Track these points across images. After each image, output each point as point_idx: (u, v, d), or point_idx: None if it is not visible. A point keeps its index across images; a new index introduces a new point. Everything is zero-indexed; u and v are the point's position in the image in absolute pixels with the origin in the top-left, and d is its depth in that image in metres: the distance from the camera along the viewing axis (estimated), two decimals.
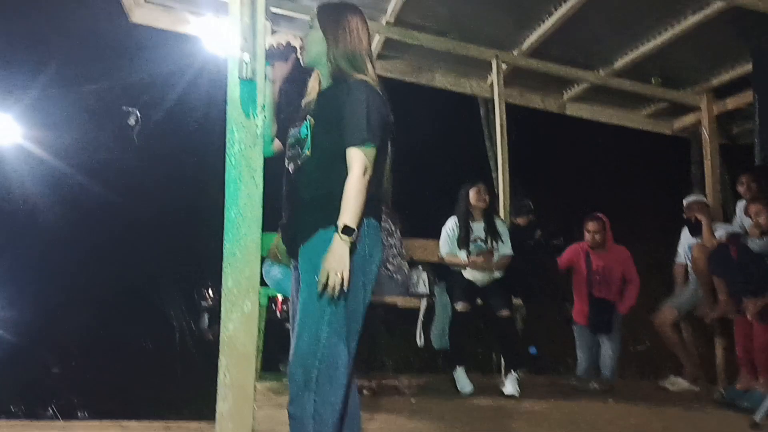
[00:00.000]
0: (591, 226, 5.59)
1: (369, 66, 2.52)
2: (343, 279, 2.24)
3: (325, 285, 2.24)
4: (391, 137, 2.52)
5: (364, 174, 2.31)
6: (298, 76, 2.72)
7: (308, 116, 2.49)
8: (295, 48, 2.69)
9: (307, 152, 2.44)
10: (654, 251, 9.05)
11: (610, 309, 5.51)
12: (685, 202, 5.58)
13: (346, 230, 2.25)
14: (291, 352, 2.34)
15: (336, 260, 2.24)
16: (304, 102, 2.62)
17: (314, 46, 2.55)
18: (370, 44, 2.61)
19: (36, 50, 12.28)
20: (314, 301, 2.30)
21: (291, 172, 2.50)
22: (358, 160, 2.32)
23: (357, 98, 2.38)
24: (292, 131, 2.55)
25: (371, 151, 2.35)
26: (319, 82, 2.61)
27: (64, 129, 11.61)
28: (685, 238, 5.49)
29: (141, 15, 5.81)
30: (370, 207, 2.37)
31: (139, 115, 6.11)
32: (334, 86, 2.51)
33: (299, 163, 2.46)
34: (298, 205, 2.47)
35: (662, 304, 5.37)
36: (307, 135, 2.46)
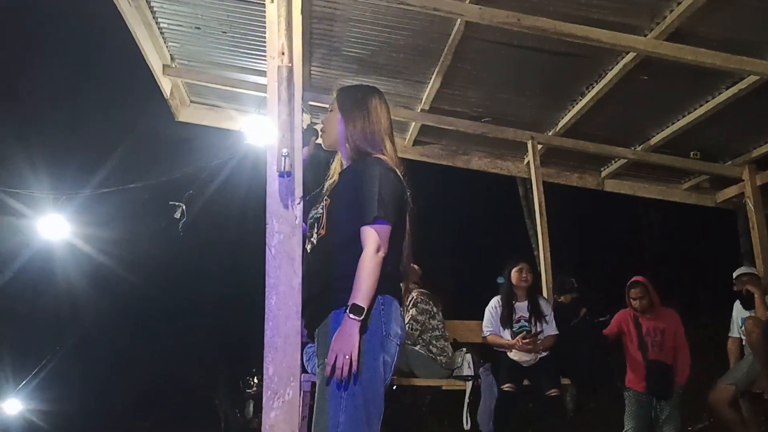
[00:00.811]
0: (633, 293, 5.43)
1: (388, 145, 2.52)
2: (352, 361, 2.18)
3: (333, 367, 2.19)
4: (410, 215, 2.48)
5: (377, 252, 2.27)
6: (323, 158, 2.77)
7: (326, 197, 2.52)
8: (315, 131, 2.75)
9: (322, 231, 2.45)
10: (707, 327, 8.77)
11: (669, 371, 5.23)
12: (735, 275, 5.44)
13: (355, 310, 2.21)
14: None
15: (344, 341, 2.19)
16: (326, 185, 2.64)
17: (333, 128, 2.58)
18: (390, 124, 2.61)
19: (89, 152, 12.90)
20: (329, 386, 2.24)
21: (308, 251, 2.53)
22: (370, 238, 2.29)
23: (369, 176, 2.37)
24: (312, 212, 2.58)
25: (385, 229, 2.32)
26: (341, 164, 2.63)
27: (111, 225, 12.01)
28: (738, 311, 5.33)
29: (187, 114, 6.13)
30: (388, 284, 2.34)
31: (184, 208, 6.30)
32: (352, 166, 2.52)
33: (314, 242, 2.48)
34: (312, 286, 2.48)
35: (718, 381, 5.16)
36: (322, 214, 2.48)
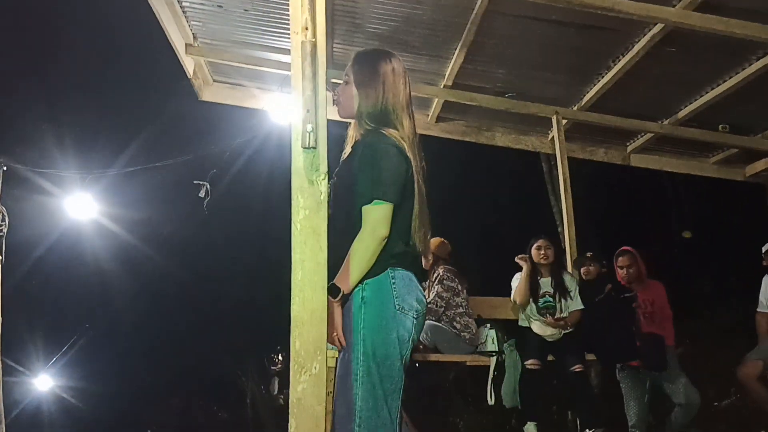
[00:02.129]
0: (621, 260, 5.39)
1: (405, 119, 2.45)
2: (338, 338, 2.30)
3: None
4: (418, 188, 2.41)
5: (372, 232, 2.26)
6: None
7: (334, 174, 2.52)
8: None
9: (330, 211, 2.49)
10: (736, 302, 8.68)
11: (662, 343, 5.18)
12: (764, 249, 5.37)
13: (331, 289, 2.31)
14: (333, 424, 2.35)
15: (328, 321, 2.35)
16: (343, 154, 2.59)
17: (348, 101, 2.54)
18: (408, 94, 2.52)
19: (114, 132, 13.01)
20: (345, 367, 2.29)
21: None
22: (366, 218, 2.28)
23: (368, 155, 2.34)
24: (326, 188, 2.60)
25: (384, 208, 2.28)
26: (356, 131, 2.57)
27: (138, 205, 12.15)
28: (767, 286, 5.27)
29: (210, 94, 6.15)
30: (398, 259, 2.33)
31: (209, 187, 6.34)
32: (360, 142, 2.47)
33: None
34: None
35: (746, 356, 5.12)
36: (329, 193, 2.51)
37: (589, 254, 5.33)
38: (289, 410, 2.57)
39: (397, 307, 2.29)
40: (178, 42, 5.30)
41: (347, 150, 2.58)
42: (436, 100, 6.04)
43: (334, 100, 2.66)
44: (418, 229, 2.41)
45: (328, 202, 2.54)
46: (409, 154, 2.39)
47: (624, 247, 5.48)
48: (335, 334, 2.32)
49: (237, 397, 18.36)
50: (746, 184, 7.19)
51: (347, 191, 2.39)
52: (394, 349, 2.26)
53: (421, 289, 2.43)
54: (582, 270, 5.21)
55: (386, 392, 2.24)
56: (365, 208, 2.28)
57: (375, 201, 2.28)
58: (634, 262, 5.37)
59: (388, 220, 2.29)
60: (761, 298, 5.37)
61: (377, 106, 2.45)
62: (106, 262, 13.55)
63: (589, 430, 4.42)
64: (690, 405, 4.99)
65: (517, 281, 4.95)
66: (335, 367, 2.49)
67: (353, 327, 2.28)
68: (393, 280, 2.30)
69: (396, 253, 2.32)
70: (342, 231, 2.40)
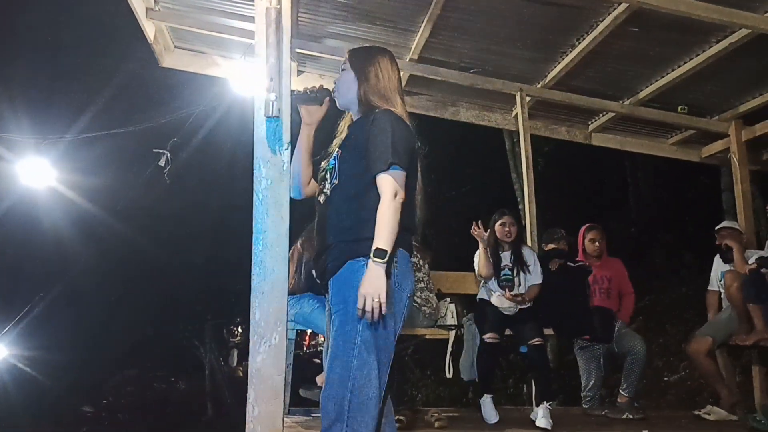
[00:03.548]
0: (592, 234, 5.50)
1: (398, 102, 2.58)
2: (381, 303, 2.25)
3: (363, 310, 2.25)
4: (420, 166, 2.55)
5: (395, 197, 2.32)
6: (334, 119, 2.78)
7: (338, 149, 2.56)
8: (328, 91, 2.74)
9: (335, 181, 2.48)
10: (687, 280, 8.92)
11: (610, 316, 5.32)
12: (717, 228, 5.50)
13: (379, 253, 2.27)
14: (324, 384, 2.36)
15: (372, 285, 2.26)
16: (335, 141, 2.68)
17: (348, 88, 2.63)
18: (400, 82, 2.68)
19: (71, 97, 12.68)
20: (345, 333, 2.32)
21: (321, 203, 2.55)
22: (387, 184, 2.34)
23: (382, 125, 2.42)
24: (323, 165, 2.61)
25: (400, 174, 2.37)
26: (351, 121, 2.68)
27: (96, 172, 11.91)
28: (718, 265, 5.41)
29: (171, 60, 6.00)
30: (401, 238, 2.38)
31: (169, 156, 6.24)
32: (363, 118, 2.56)
33: (328, 193, 2.51)
34: (327, 236, 2.49)
35: (696, 332, 5.27)
36: (334, 165, 2.51)
37: (561, 230, 5.40)
38: (248, 381, 2.58)
39: (397, 284, 2.39)
40: (138, 5, 5.15)
41: (343, 134, 2.65)
42: (402, 73, 5.99)
43: (332, 93, 2.71)
44: (420, 206, 2.55)
45: (331, 173, 2.53)
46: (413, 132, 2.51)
47: (591, 223, 5.59)
48: (376, 299, 2.25)
49: (195, 367, 18.33)
50: (702, 164, 7.34)
51: (355, 161, 2.45)
52: (391, 323, 2.37)
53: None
54: (551, 245, 5.29)
55: (380, 363, 2.33)
56: (382, 175, 2.35)
57: (393, 167, 2.35)
58: (602, 237, 5.50)
59: (404, 185, 2.38)
60: (712, 276, 5.51)
61: (378, 86, 2.57)
62: (64, 230, 13.30)
63: (546, 402, 4.50)
64: (636, 353, 5.08)
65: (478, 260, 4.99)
66: (294, 341, 2.49)
67: (357, 297, 2.30)
68: (396, 258, 2.38)
69: (402, 227, 2.37)
70: (349, 199, 2.45)
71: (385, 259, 2.27)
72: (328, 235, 2.48)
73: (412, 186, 2.48)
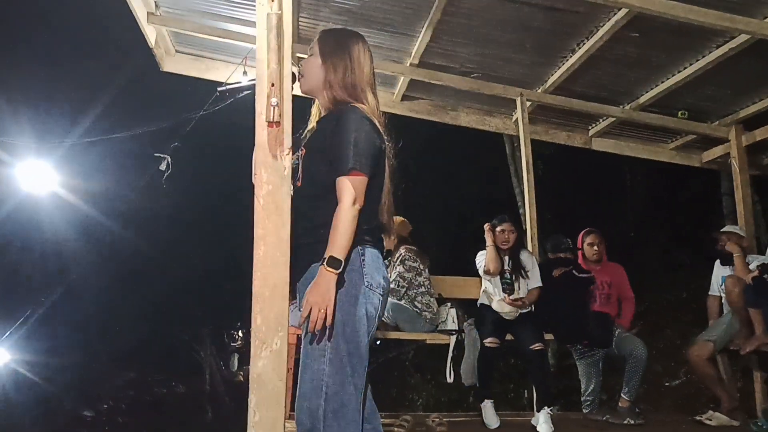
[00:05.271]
0: (591, 238, 5.50)
1: (369, 96, 2.44)
2: (327, 314, 2.16)
3: (307, 319, 2.17)
4: (389, 166, 2.43)
5: (353, 204, 2.23)
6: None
7: (301, 147, 2.48)
8: (293, 75, 2.68)
9: (298, 183, 2.43)
10: (688, 285, 8.91)
11: (609, 321, 5.31)
12: (718, 233, 5.50)
13: (332, 262, 2.18)
14: (297, 395, 2.28)
15: (319, 294, 2.17)
16: (305, 131, 2.59)
17: (313, 74, 2.50)
18: (372, 73, 2.52)
19: (72, 101, 12.69)
20: (314, 339, 2.23)
21: (292, 199, 2.51)
22: (346, 189, 2.24)
23: (345, 126, 2.30)
24: (292, 159, 2.55)
25: (360, 180, 2.27)
26: (320, 110, 2.56)
27: (96, 176, 11.91)
28: (719, 270, 5.41)
29: (172, 64, 6.02)
30: (367, 235, 2.32)
31: (170, 160, 6.23)
32: (329, 116, 2.45)
33: (291, 195, 2.46)
34: (294, 237, 2.45)
35: (697, 337, 5.27)
36: (297, 165, 2.45)
37: (567, 239, 5.39)
38: (250, 385, 2.57)
39: (366, 284, 2.29)
40: (139, 10, 5.17)
41: (311, 126, 2.57)
42: (402, 78, 6.01)
43: (297, 76, 2.63)
44: (387, 207, 2.42)
45: (295, 173, 2.49)
46: (381, 130, 2.40)
47: (589, 228, 5.59)
48: (322, 310, 2.17)
49: (195, 371, 18.31)
50: (702, 169, 7.35)
51: (318, 162, 2.37)
52: (363, 325, 2.27)
53: (385, 266, 2.44)
54: (558, 254, 5.29)
55: (354, 368, 2.24)
56: (342, 180, 2.26)
57: (352, 171, 2.26)
58: (602, 241, 5.50)
59: (364, 191, 2.28)
60: (713, 281, 5.51)
61: (345, 79, 2.43)
62: (65, 234, 13.30)
63: (547, 407, 4.51)
64: (637, 357, 5.06)
65: (483, 256, 5.00)
66: (296, 345, 2.49)
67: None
68: (363, 258, 2.30)
69: (365, 229, 2.31)
70: (312, 200, 2.38)
71: (339, 270, 2.19)
72: (294, 235, 2.46)
73: (377, 186, 2.38)
